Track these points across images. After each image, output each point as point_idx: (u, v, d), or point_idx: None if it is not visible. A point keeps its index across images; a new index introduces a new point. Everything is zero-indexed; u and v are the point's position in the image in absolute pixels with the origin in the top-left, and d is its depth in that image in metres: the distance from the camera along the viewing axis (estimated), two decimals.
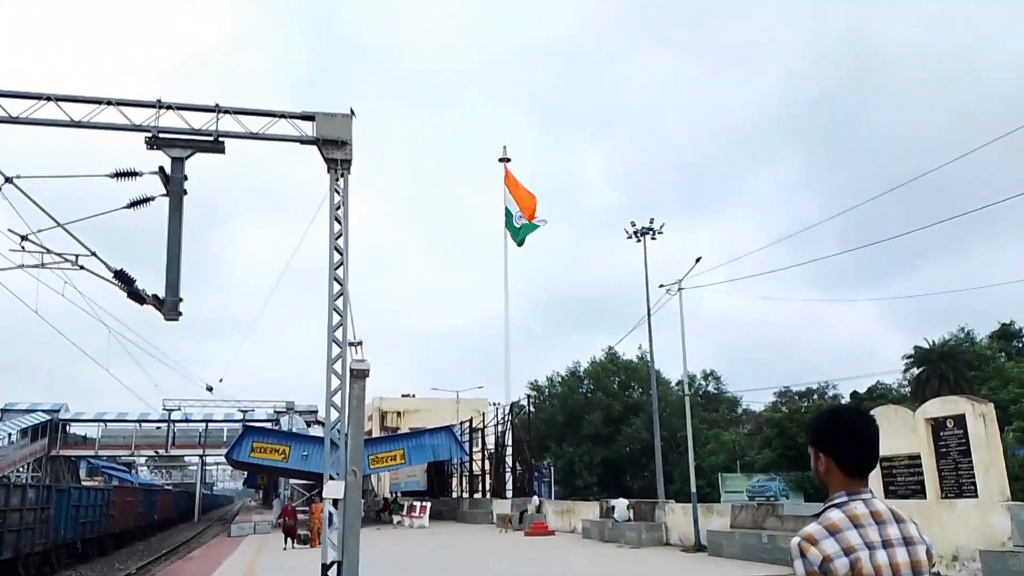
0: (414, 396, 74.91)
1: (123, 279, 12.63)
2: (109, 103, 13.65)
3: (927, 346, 52.11)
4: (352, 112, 14.66)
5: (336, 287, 13.86)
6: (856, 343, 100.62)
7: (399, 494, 53.46)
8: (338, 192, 14.34)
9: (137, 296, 13.02)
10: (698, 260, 20.53)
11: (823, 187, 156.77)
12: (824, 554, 2.18)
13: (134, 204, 13.76)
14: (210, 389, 32.95)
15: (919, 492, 13.89)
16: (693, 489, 20.66)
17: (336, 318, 13.73)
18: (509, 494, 42.89)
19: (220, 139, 13.91)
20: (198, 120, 14.02)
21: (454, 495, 52.04)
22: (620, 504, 24.49)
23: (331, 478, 12.68)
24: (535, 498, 34.78)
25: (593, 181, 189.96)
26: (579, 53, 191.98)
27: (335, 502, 12.52)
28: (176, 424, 70.45)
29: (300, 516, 31.84)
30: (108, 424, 70.08)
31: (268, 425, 56.68)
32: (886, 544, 2.21)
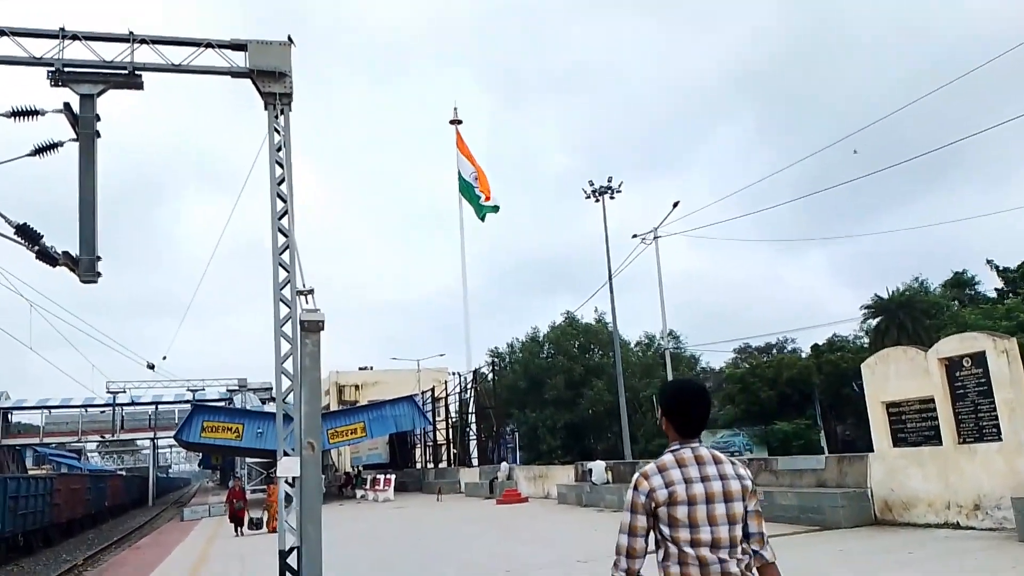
0: (372, 368, 73.05)
1: (26, 235, 10.75)
2: (1, 33, 11.66)
3: (885, 296, 51.98)
4: (290, 40, 12.84)
5: (281, 239, 12.15)
6: (808, 300, 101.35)
7: (361, 468, 52.01)
8: (279, 131, 12.58)
9: (47, 256, 11.14)
10: (676, 205, 19.25)
11: (780, 146, 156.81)
12: (651, 486, 2.91)
13: (40, 151, 11.81)
14: (151, 367, 30.93)
15: (933, 438, 12.75)
16: None
17: (283, 274, 12.06)
18: (475, 462, 41.70)
19: (136, 72, 12.02)
20: (110, 52, 12.12)
21: (418, 466, 50.72)
22: (598, 466, 23.19)
23: (285, 454, 11.08)
24: (504, 464, 33.49)
25: (550, 146, 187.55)
26: (537, 12, 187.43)
27: (290, 481, 10.94)
28: (124, 408, 68.00)
29: (254, 496, 30.04)
30: (52, 411, 67.30)
31: (222, 404, 54.56)
32: (703, 479, 2.90)
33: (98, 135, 11.85)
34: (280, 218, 12.20)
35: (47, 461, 79.38)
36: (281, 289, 11.83)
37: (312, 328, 7.35)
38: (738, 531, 2.91)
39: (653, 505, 2.87)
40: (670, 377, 20.82)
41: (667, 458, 2.95)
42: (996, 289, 50.92)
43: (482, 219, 49.39)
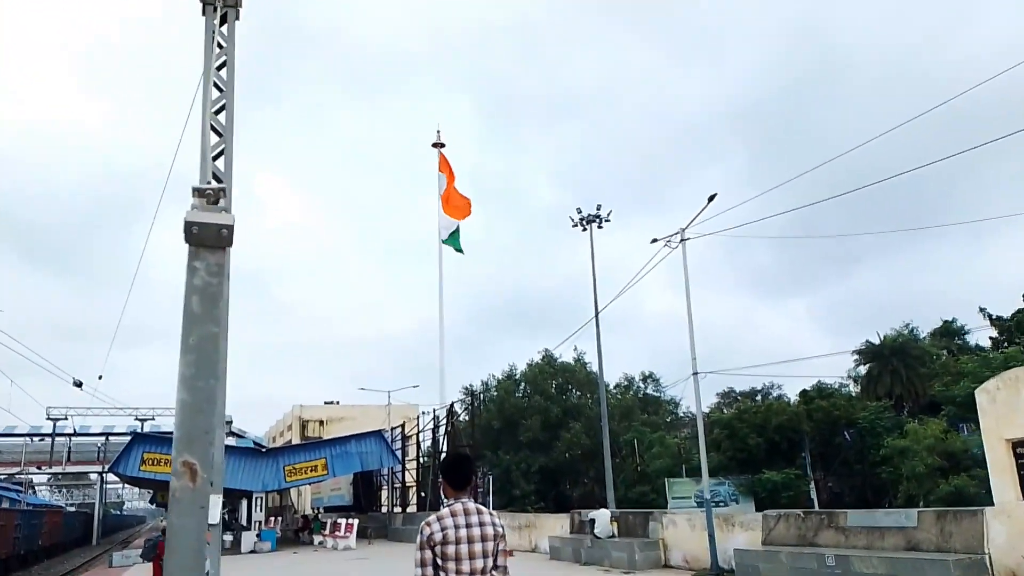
0: (338, 403, 68.97)
1: None
2: None
3: (877, 341, 49.73)
4: None
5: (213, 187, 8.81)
6: (788, 349, 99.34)
7: (321, 510, 47.87)
8: (220, 44, 9.28)
9: None
10: (712, 198, 16.07)
11: (767, 185, 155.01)
12: (431, 531, 3.90)
13: None
14: (79, 385, 26.98)
15: None
16: (706, 495, 16.03)
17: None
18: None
19: None
20: None
21: (384, 510, 46.66)
22: (602, 516, 19.52)
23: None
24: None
25: (539, 177, 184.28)
26: (535, 37, 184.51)
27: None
28: (72, 438, 63.39)
29: None
30: None
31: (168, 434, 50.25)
32: (468, 526, 3.92)
33: None
34: (215, 157, 8.83)
35: None
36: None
37: (209, 241, 3.13)
38: (489, 563, 3.96)
39: (432, 544, 3.89)
40: (698, 409, 17.52)
41: (444, 511, 4.02)
42: (991, 338, 49.11)
43: (459, 249, 46.41)
